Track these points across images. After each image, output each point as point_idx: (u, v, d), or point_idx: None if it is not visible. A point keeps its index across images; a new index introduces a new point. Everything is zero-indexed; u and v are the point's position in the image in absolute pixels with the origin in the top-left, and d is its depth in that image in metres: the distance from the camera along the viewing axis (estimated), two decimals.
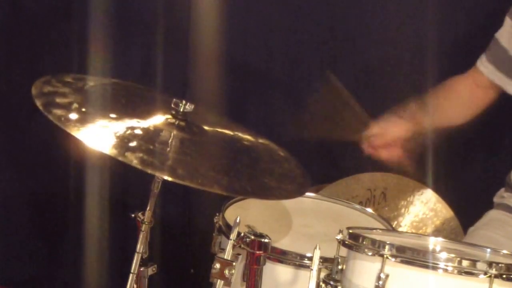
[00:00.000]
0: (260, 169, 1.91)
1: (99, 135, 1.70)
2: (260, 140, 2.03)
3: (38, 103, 1.73)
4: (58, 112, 1.72)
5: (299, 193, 1.92)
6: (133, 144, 1.71)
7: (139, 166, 1.64)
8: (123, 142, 1.70)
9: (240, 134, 2.02)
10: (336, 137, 2.43)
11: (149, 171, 1.67)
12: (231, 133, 2.01)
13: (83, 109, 1.78)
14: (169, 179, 1.66)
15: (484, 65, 2.33)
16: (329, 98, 2.42)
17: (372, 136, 2.33)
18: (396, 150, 2.34)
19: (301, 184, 1.91)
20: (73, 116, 1.73)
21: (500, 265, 1.55)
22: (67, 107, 1.76)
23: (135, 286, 1.94)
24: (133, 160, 1.65)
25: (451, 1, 2.82)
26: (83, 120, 1.73)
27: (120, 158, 1.65)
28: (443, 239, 1.88)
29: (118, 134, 1.72)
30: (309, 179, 1.95)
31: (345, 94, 2.40)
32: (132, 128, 1.77)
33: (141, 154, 1.68)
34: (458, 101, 2.38)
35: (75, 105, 1.78)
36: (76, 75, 1.97)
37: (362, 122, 2.37)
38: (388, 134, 2.32)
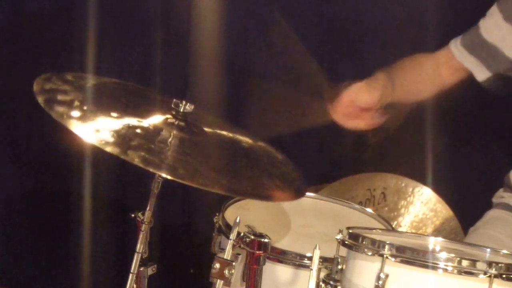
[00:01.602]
0: (259, 171, 1.91)
1: (101, 133, 1.70)
2: (259, 143, 2.03)
3: (40, 99, 1.73)
4: (60, 109, 1.72)
5: (297, 196, 1.92)
6: (134, 142, 1.71)
7: (141, 165, 1.64)
8: (124, 140, 1.71)
9: (239, 136, 2.02)
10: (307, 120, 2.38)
11: (151, 169, 1.67)
12: (230, 135, 2.01)
13: (85, 107, 1.78)
14: (171, 178, 1.66)
15: (458, 49, 2.32)
16: (283, 47, 2.37)
17: (343, 104, 2.28)
18: (368, 117, 2.30)
19: (298, 187, 1.92)
20: (75, 113, 1.73)
21: (500, 265, 1.55)
22: (69, 105, 1.76)
23: (134, 286, 1.94)
24: (135, 158, 1.65)
25: (451, 1, 2.82)
26: (85, 117, 1.73)
27: (122, 157, 1.65)
28: (443, 239, 1.88)
29: (119, 133, 1.72)
30: (305, 183, 1.95)
31: (296, 43, 2.35)
32: (133, 127, 1.77)
33: (142, 153, 1.69)
34: (423, 76, 2.36)
35: (76, 103, 1.78)
36: (76, 73, 1.97)
37: (320, 78, 2.33)
38: (358, 102, 2.27)
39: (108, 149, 1.66)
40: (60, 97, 1.78)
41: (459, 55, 2.32)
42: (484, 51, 2.28)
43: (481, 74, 2.30)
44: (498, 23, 2.26)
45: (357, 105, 2.26)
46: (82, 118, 1.72)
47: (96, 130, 1.70)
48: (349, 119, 2.29)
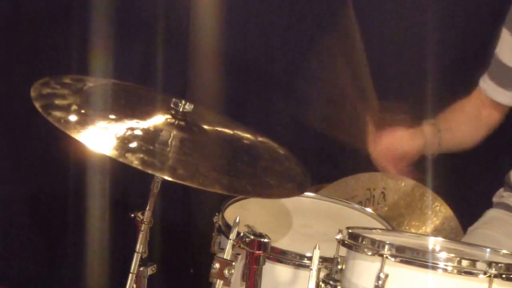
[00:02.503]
0: (261, 168, 1.91)
1: (99, 137, 1.70)
2: (260, 139, 2.03)
3: (37, 105, 1.73)
4: (58, 114, 1.72)
5: (299, 191, 1.92)
6: (133, 145, 1.71)
7: (140, 167, 1.64)
8: (123, 143, 1.71)
9: (239, 133, 2.02)
10: (340, 135, 2.39)
11: (150, 172, 1.67)
12: (230, 132, 2.01)
13: (83, 111, 1.78)
14: (170, 179, 1.66)
15: (486, 83, 2.31)
16: (340, 48, 2.34)
17: (382, 145, 2.28)
18: (402, 164, 2.31)
19: (301, 182, 1.91)
20: (73, 118, 1.73)
21: (499, 265, 1.55)
22: (67, 109, 1.76)
23: (134, 286, 1.94)
24: (134, 161, 1.65)
25: (451, 3, 2.82)
26: (83, 121, 1.73)
27: (120, 160, 1.65)
28: (443, 239, 1.88)
29: (118, 135, 1.72)
30: (309, 177, 1.95)
31: (359, 46, 2.33)
32: (132, 128, 1.77)
33: (141, 155, 1.68)
34: (466, 123, 2.36)
35: (74, 107, 1.78)
36: (74, 76, 1.97)
37: (368, 102, 2.32)
38: (397, 147, 2.27)
39: (107, 152, 1.66)
40: (57, 101, 1.78)
41: (489, 90, 2.30)
42: (502, 73, 2.26)
43: (505, 98, 2.28)
44: (507, 41, 2.25)
45: (395, 151, 2.26)
46: (80, 123, 1.72)
47: (94, 134, 1.70)
48: (382, 161, 2.29)
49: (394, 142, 2.27)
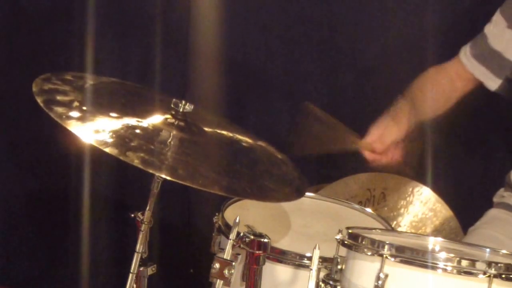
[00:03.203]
0: (259, 171, 1.91)
1: (100, 134, 1.70)
2: (259, 143, 2.03)
3: (39, 100, 1.73)
4: (59, 109, 1.72)
5: (297, 196, 1.92)
6: (134, 143, 1.71)
7: (140, 166, 1.64)
8: (124, 141, 1.71)
9: (238, 136, 2.02)
10: (333, 149, 2.42)
11: (151, 171, 1.67)
12: (230, 134, 2.01)
13: (84, 108, 1.78)
14: (171, 179, 1.66)
15: (468, 59, 2.32)
16: (314, 127, 2.40)
17: (371, 143, 2.32)
18: (396, 153, 2.34)
19: (298, 187, 1.92)
20: (75, 114, 1.73)
21: (499, 265, 1.55)
22: (68, 105, 1.76)
23: (134, 286, 1.94)
24: (135, 159, 1.65)
25: (451, 4, 2.82)
26: (84, 118, 1.73)
27: (121, 158, 1.65)
28: (443, 239, 1.88)
29: (119, 133, 1.72)
30: (306, 182, 1.95)
31: (329, 120, 2.39)
32: (132, 127, 1.77)
33: (142, 154, 1.68)
34: (440, 92, 2.37)
35: (76, 103, 1.78)
36: (75, 73, 1.97)
37: (351, 140, 2.36)
38: (386, 138, 2.31)
39: (107, 150, 1.66)
40: (59, 97, 1.78)
41: (470, 65, 2.32)
42: (492, 59, 2.28)
43: (492, 83, 2.30)
44: (503, 31, 2.26)
45: (384, 141, 2.29)
46: (81, 119, 1.72)
47: (95, 131, 1.70)
48: (375, 156, 2.32)
49: (379, 132, 2.30)
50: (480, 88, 2.34)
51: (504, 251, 1.76)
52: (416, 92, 2.37)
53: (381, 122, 2.33)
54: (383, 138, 2.31)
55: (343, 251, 1.71)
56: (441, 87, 2.38)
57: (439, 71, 2.40)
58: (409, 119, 2.32)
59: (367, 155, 2.34)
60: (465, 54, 2.34)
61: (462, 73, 2.35)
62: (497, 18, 2.28)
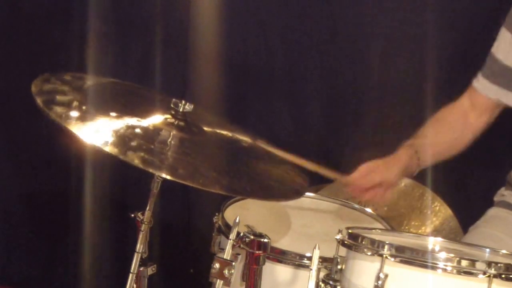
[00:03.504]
0: (260, 170, 1.91)
1: (100, 134, 1.70)
2: (258, 142, 2.03)
3: (39, 100, 1.73)
4: (59, 109, 1.73)
5: (298, 194, 1.92)
6: (134, 143, 1.71)
7: (140, 166, 1.64)
8: (124, 141, 1.71)
9: (238, 135, 2.02)
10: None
11: (151, 170, 1.67)
12: (229, 134, 2.01)
13: (83, 107, 1.78)
14: (171, 179, 1.66)
15: (479, 82, 2.31)
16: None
17: (355, 180, 2.26)
18: (378, 195, 2.29)
19: (299, 185, 1.92)
20: (74, 114, 1.73)
21: (499, 265, 1.55)
22: (68, 105, 1.76)
23: (134, 285, 1.94)
24: (135, 159, 1.65)
25: (451, 4, 2.82)
26: (84, 118, 1.73)
27: (121, 157, 1.65)
28: (442, 239, 1.88)
29: (119, 133, 1.72)
30: (307, 180, 1.95)
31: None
32: (132, 127, 1.77)
33: (142, 154, 1.69)
34: (450, 133, 2.36)
35: (75, 103, 1.78)
36: (74, 73, 1.97)
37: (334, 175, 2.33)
38: (368, 178, 2.25)
39: (108, 149, 1.66)
40: (58, 97, 1.78)
41: (482, 88, 2.30)
42: (504, 75, 2.26)
43: (510, 98, 2.28)
44: (510, 45, 2.25)
45: (369, 179, 2.25)
46: (81, 119, 1.72)
47: (95, 131, 1.70)
48: (360, 192, 2.28)
49: (367, 173, 2.26)
50: (497, 118, 2.33)
51: (504, 251, 1.76)
52: (423, 137, 2.33)
53: (372, 162, 2.27)
54: (366, 177, 2.25)
55: (343, 251, 1.71)
56: (452, 126, 2.35)
57: (451, 109, 2.37)
58: (404, 168, 2.27)
59: (350, 189, 2.29)
60: (477, 79, 2.32)
61: (475, 100, 2.32)
62: (503, 34, 2.27)
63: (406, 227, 2.69)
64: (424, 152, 2.30)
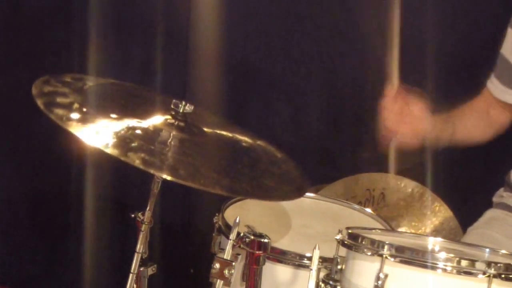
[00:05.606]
0: (260, 170, 1.92)
1: (101, 135, 1.70)
2: (258, 142, 2.04)
3: (39, 102, 1.73)
4: (60, 111, 1.73)
5: (298, 194, 1.92)
6: (134, 144, 1.71)
7: (141, 167, 1.64)
8: (124, 142, 1.71)
9: (238, 136, 2.02)
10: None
11: (152, 171, 1.67)
12: (229, 134, 2.01)
13: (84, 109, 1.78)
14: (172, 179, 1.66)
15: (492, 83, 2.31)
16: None
17: (396, 102, 2.22)
18: (413, 124, 2.24)
19: (299, 185, 1.92)
20: (75, 115, 1.74)
21: (499, 265, 1.55)
22: (68, 107, 1.76)
23: (135, 286, 1.94)
24: (136, 160, 1.65)
25: (452, 3, 2.82)
26: (85, 119, 1.74)
27: (122, 158, 1.65)
28: (442, 239, 1.88)
29: (119, 134, 1.73)
30: (307, 180, 1.95)
31: None
32: (133, 128, 1.77)
33: (143, 154, 1.69)
34: (477, 120, 2.37)
35: (76, 105, 1.78)
36: (75, 75, 1.97)
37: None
38: (406, 111, 2.22)
39: (108, 150, 1.66)
40: (59, 99, 1.78)
41: (494, 89, 2.31)
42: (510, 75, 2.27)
43: None
44: None
45: (410, 109, 2.22)
46: (81, 120, 1.72)
47: (96, 132, 1.70)
48: (396, 122, 2.23)
49: (405, 107, 2.23)
50: None
51: (503, 251, 1.76)
52: (456, 113, 2.34)
53: (412, 92, 2.24)
54: (403, 111, 2.22)
55: (343, 251, 1.71)
56: (479, 114, 2.37)
57: (474, 101, 2.38)
58: (439, 125, 2.27)
59: (387, 117, 2.24)
60: (491, 80, 2.32)
61: (491, 99, 2.33)
62: (508, 33, 2.27)
63: (406, 228, 2.70)
64: (459, 127, 2.32)
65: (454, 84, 2.80)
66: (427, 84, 2.68)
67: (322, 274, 1.75)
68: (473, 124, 2.38)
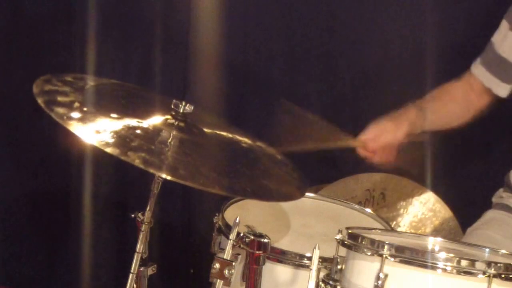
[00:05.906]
0: (260, 171, 1.92)
1: (102, 134, 1.70)
2: (258, 143, 2.04)
3: (40, 100, 1.73)
4: (60, 110, 1.73)
5: (298, 196, 1.92)
6: (134, 143, 1.71)
7: (141, 166, 1.64)
8: (125, 141, 1.71)
9: (238, 136, 2.02)
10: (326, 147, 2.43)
11: (152, 171, 1.67)
12: (229, 135, 2.01)
13: (85, 108, 1.78)
14: (172, 179, 1.66)
15: (477, 67, 2.34)
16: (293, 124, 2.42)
17: (365, 140, 2.33)
18: (389, 154, 2.34)
19: (299, 186, 1.92)
20: (75, 114, 1.74)
21: (498, 264, 1.55)
22: (69, 106, 1.76)
23: (135, 286, 1.94)
24: (136, 159, 1.65)
25: (450, 3, 2.82)
26: (85, 119, 1.74)
27: (122, 158, 1.65)
28: (442, 239, 1.88)
29: (119, 134, 1.73)
30: (306, 182, 1.96)
31: (309, 117, 2.40)
32: (133, 128, 1.77)
33: (143, 154, 1.69)
34: (453, 104, 2.39)
35: (76, 104, 1.78)
36: (76, 74, 1.98)
37: (344, 138, 2.38)
38: (381, 138, 2.32)
39: (109, 150, 1.66)
40: (60, 98, 1.78)
41: (478, 73, 2.34)
42: (499, 65, 2.29)
43: (502, 89, 2.31)
44: (506, 35, 2.27)
45: (378, 140, 2.31)
46: (82, 119, 1.73)
47: (96, 131, 1.70)
48: (367, 153, 2.34)
49: (379, 133, 2.31)
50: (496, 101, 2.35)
51: (503, 251, 1.77)
52: (429, 101, 2.37)
53: (381, 122, 2.34)
54: (378, 137, 2.32)
55: (343, 251, 1.71)
56: (456, 99, 2.38)
57: (452, 85, 2.40)
58: (411, 125, 2.32)
59: (360, 151, 2.35)
60: (475, 64, 2.35)
61: (474, 83, 2.36)
62: (502, 24, 2.30)
63: (406, 228, 2.70)
64: (430, 114, 2.35)
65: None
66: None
67: (322, 274, 1.75)
68: (447, 109, 2.39)
